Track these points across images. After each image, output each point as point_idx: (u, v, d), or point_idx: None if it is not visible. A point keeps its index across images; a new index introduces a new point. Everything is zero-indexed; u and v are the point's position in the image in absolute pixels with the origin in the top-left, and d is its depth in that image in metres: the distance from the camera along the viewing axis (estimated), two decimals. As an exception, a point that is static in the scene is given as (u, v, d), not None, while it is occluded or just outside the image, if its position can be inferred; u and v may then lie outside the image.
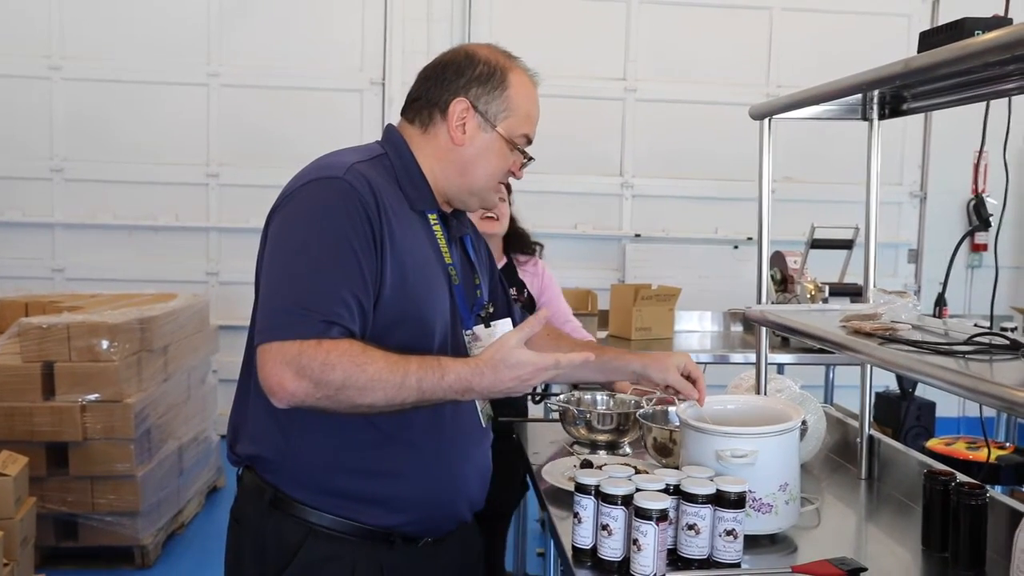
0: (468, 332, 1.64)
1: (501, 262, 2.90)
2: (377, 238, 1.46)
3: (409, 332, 1.50)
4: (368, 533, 1.53)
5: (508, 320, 1.72)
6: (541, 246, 3.07)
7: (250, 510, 1.57)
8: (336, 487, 1.51)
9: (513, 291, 2.86)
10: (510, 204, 2.92)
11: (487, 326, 1.66)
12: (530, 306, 2.92)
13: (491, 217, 2.79)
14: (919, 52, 1.63)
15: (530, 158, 1.64)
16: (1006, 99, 1.82)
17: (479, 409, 1.66)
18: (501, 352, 1.44)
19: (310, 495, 1.52)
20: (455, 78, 1.57)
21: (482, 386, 1.44)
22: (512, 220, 2.94)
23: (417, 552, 1.57)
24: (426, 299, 1.53)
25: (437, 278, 1.57)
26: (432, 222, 1.59)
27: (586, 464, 2.00)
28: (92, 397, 3.74)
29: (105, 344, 3.75)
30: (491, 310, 1.73)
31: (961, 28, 1.55)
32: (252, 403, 1.55)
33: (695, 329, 4.86)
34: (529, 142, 1.64)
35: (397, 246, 1.49)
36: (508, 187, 2.89)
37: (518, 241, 2.96)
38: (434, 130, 1.59)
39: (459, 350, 1.60)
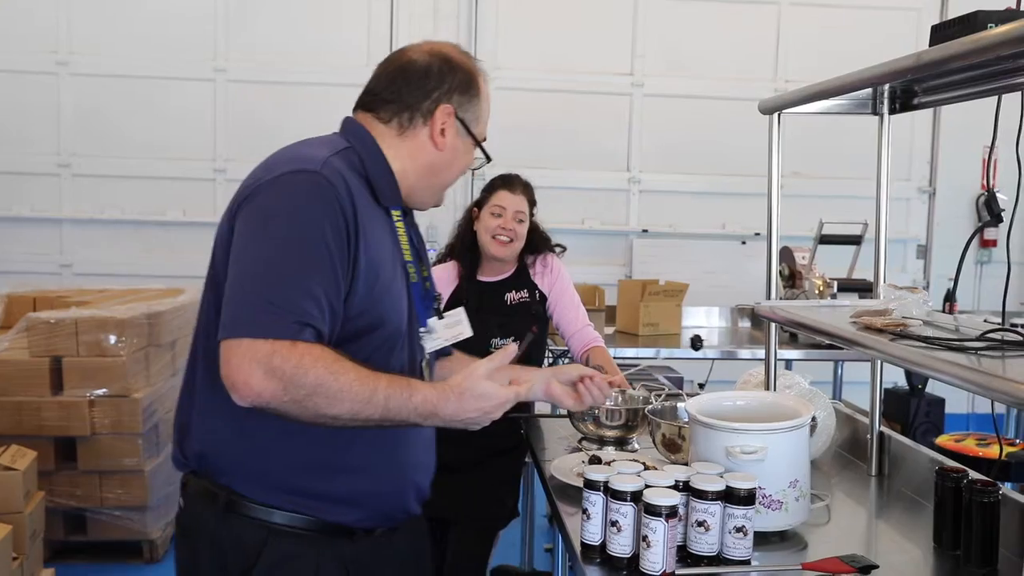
0: (423, 328, 1.64)
1: (512, 269, 2.88)
2: (351, 236, 1.44)
3: (380, 330, 1.50)
4: (329, 528, 1.51)
5: (461, 309, 1.75)
6: (563, 248, 3.02)
7: (203, 518, 1.51)
8: (295, 484, 1.48)
9: (524, 294, 2.84)
10: (531, 216, 2.87)
11: (440, 317, 1.68)
12: (545, 305, 2.89)
13: (505, 240, 2.77)
14: (931, 45, 1.62)
15: (489, 159, 1.68)
16: (1018, 93, 1.81)
17: None
18: (469, 381, 1.45)
19: (269, 494, 1.48)
20: (438, 84, 1.58)
21: (447, 412, 1.43)
22: (534, 227, 2.90)
23: (374, 542, 1.56)
24: (393, 298, 1.53)
25: (399, 276, 1.57)
26: (395, 219, 1.59)
27: (595, 460, 1.99)
28: (100, 392, 3.75)
29: (113, 339, 3.76)
30: (442, 301, 1.74)
31: (974, 21, 1.54)
32: (202, 400, 1.50)
33: (702, 325, 4.85)
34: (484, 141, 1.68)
35: (369, 245, 1.47)
36: (532, 201, 2.86)
37: (536, 243, 2.91)
38: (413, 132, 1.59)
39: (415, 346, 1.61)
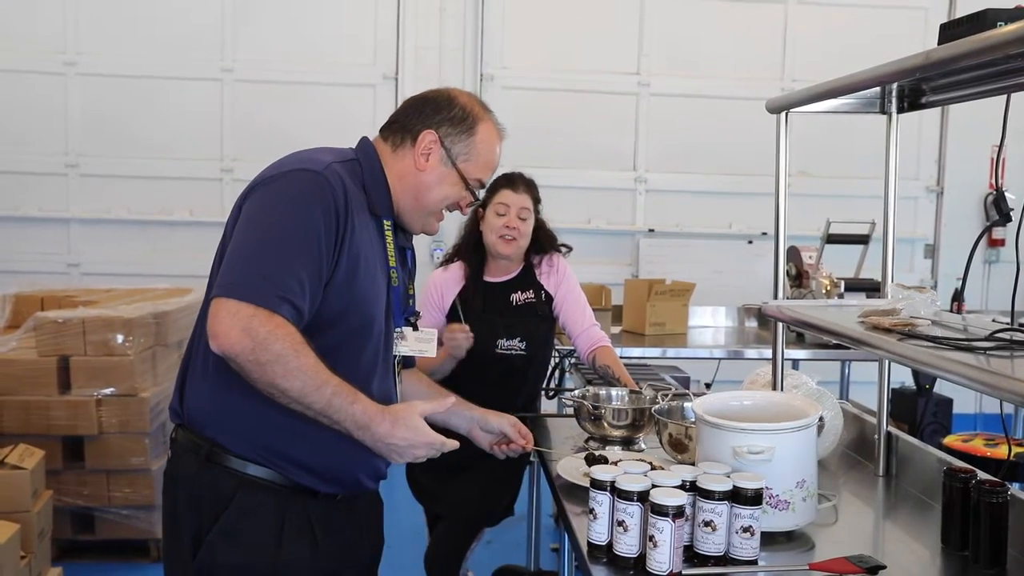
0: (397, 330, 1.83)
1: (518, 269, 2.87)
2: (340, 232, 1.63)
3: (352, 317, 1.68)
4: (296, 486, 1.67)
5: (434, 331, 1.93)
6: (569, 248, 3.01)
7: (186, 467, 1.68)
8: (267, 442, 1.65)
9: (530, 294, 2.84)
10: (537, 213, 2.86)
11: (415, 329, 1.87)
12: (551, 305, 2.88)
13: (510, 238, 2.76)
14: (940, 44, 1.61)
15: (477, 200, 1.86)
16: (1027, 92, 1.80)
17: (397, 399, 1.84)
18: (407, 411, 1.64)
19: (245, 448, 1.65)
20: (432, 113, 1.78)
21: (379, 431, 1.60)
22: (540, 225, 2.89)
23: (336, 504, 1.74)
24: (370, 292, 1.71)
25: (380, 277, 1.74)
26: (385, 228, 1.77)
27: (601, 460, 1.99)
28: (107, 391, 3.76)
29: (120, 338, 3.77)
30: (420, 315, 1.94)
31: (983, 19, 1.53)
32: (200, 362, 1.68)
33: (709, 324, 4.84)
34: (482, 186, 1.85)
35: (356, 243, 1.66)
36: (537, 198, 2.85)
37: (541, 242, 2.90)
38: (402, 152, 1.78)
39: (389, 343, 1.80)
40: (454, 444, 1.68)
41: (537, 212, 2.85)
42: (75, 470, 3.76)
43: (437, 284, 2.85)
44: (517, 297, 2.83)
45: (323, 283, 1.62)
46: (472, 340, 2.62)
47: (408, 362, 1.95)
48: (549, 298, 2.87)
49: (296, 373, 1.52)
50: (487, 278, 2.84)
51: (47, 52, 5.67)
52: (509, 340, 2.76)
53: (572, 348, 3.02)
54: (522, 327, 2.77)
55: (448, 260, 2.94)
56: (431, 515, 2.95)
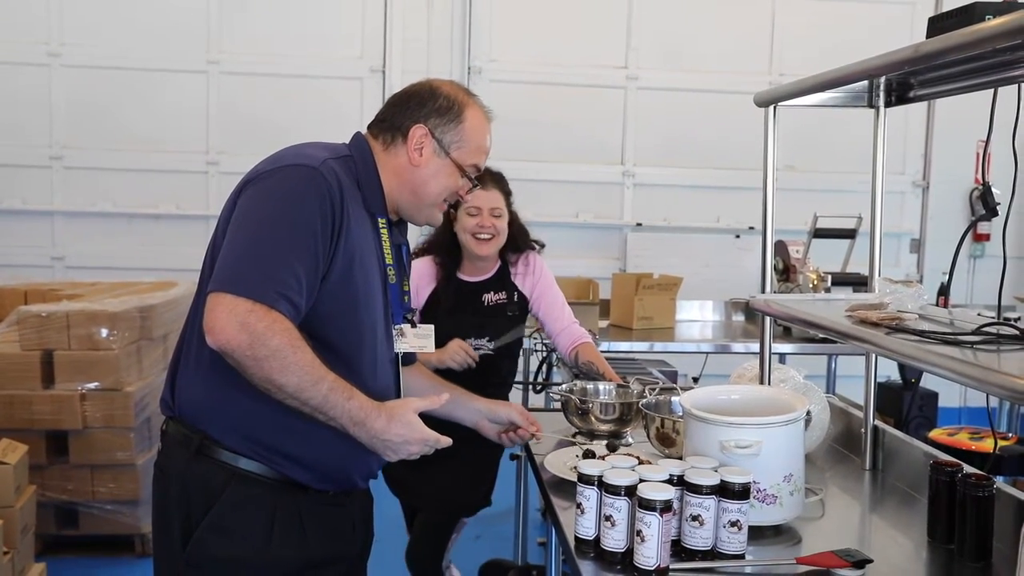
0: (396, 327, 1.83)
1: (493, 269, 2.85)
2: (336, 228, 1.63)
3: (349, 314, 1.68)
4: (287, 481, 1.67)
5: (431, 327, 1.93)
6: (542, 245, 2.98)
7: (177, 459, 1.68)
8: (259, 437, 1.64)
9: (503, 296, 2.82)
10: (509, 207, 2.83)
11: (413, 326, 1.87)
12: (523, 306, 2.86)
13: (485, 238, 2.73)
14: (928, 37, 1.61)
15: (475, 184, 1.86)
16: (1014, 86, 1.80)
17: (400, 396, 1.83)
18: (401, 408, 1.64)
19: (237, 442, 1.64)
20: (418, 107, 1.77)
21: (374, 427, 1.59)
22: (514, 219, 2.86)
23: (328, 499, 1.74)
24: (366, 289, 1.70)
25: (376, 274, 1.75)
26: (380, 225, 1.77)
27: (589, 454, 1.99)
28: (92, 385, 3.73)
29: (105, 332, 3.74)
30: (416, 312, 1.94)
31: (971, 13, 1.53)
32: (193, 355, 1.68)
33: (696, 318, 4.85)
34: (478, 170, 1.84)
35: (351, 240, 1.66)
36: (507, 192, 2.82)
37: (516, 239, 2.87)
38: (395, 150, 1.78)
39: (388, 339, 1.80)
40: (448, 441, 1.67)
41: (509, 206, 2.82)
42: (59, 465, 3.74)
43: (412, 277, 2.83)
44: (489, 298, 2.81)
45: (319, 279, 1.61)
46: (473, 364, 2.65)
47: (408, 358, 1.94)
48: (522, 299, 2.85)
49: (293, 369, 1.52)
50: (462, 276, 2.81)
51: (31, 43, 5.61)
52: (478, 339, 2.74)
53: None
54: (492, 327, 2.76)
55: (419, 253, 2.87)
56: (408, 508, 2.95)
